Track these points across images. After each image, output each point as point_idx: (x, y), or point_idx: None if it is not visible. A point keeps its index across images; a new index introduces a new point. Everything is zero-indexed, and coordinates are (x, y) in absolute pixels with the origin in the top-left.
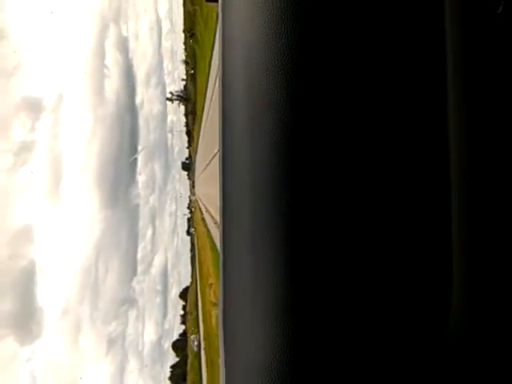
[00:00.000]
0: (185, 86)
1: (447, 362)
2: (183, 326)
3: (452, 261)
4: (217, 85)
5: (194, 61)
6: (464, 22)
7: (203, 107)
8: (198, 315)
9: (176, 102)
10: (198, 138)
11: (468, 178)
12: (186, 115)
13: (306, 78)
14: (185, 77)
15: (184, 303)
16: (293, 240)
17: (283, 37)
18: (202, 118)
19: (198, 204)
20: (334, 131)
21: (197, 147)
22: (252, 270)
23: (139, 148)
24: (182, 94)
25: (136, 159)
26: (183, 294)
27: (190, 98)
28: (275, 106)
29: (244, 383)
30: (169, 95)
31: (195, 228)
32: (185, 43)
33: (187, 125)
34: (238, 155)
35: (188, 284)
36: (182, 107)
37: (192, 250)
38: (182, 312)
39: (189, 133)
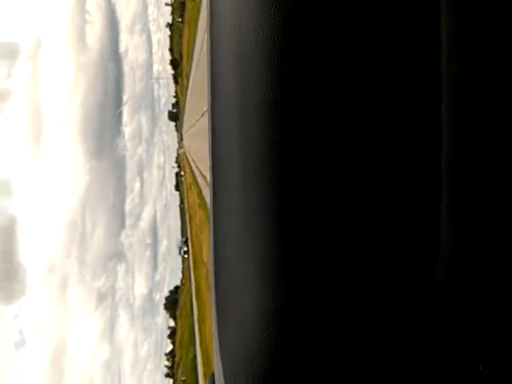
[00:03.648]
0: None
1: (432, 330)
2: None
3: (440, 227)
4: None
5: None
6: (460, 9)
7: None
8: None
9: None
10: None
11: (458, 159)
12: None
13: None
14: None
15: (174, 322)
16: (286, 201)
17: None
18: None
19: (187, 158)
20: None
21: (185, 98)
22: (244, 230)
23: (124, 99)
24: None
25: (121, 112)
26: (171, 303)
27: None
28: (266, 66)
29: (235, 343)
30: None
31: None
32: None
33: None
34: (226, 116)
35: (178, 283)
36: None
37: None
38: (170, 345)
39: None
